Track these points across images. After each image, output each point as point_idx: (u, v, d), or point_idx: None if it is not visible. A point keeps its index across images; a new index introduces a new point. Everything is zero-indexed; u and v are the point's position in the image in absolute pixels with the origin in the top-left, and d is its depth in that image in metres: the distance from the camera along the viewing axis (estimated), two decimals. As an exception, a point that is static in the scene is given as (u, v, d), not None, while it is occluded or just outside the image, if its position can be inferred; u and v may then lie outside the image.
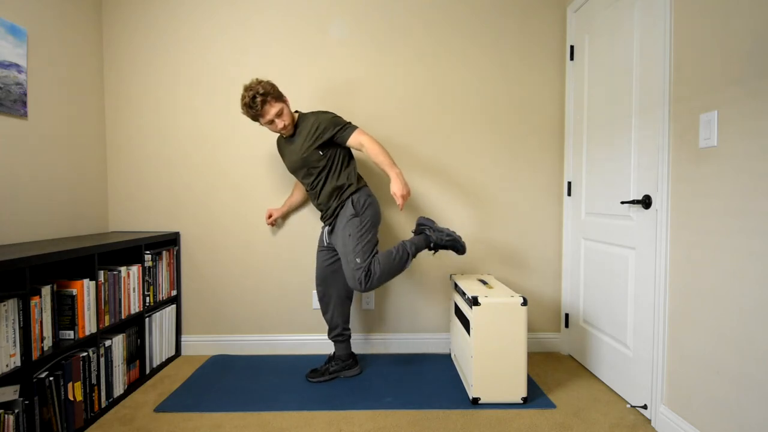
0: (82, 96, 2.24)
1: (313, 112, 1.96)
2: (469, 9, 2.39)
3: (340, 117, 1.94)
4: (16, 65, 1.83)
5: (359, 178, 2.05)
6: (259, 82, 1.85)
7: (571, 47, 2.33)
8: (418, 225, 2.09)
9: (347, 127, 1.91)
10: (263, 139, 2.42)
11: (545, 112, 2.41)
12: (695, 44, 1.45)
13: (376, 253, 1.93)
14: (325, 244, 2.09)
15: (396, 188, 1.82)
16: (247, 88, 1.84)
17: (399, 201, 1.82)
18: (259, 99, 1.81)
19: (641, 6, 1.75)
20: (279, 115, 1.88)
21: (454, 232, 2.04)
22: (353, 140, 1.90)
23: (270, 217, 2.33)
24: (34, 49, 1.94)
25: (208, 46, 2.40)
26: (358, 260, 1.88)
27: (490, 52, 2.40)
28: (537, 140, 2.42)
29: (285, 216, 2.41)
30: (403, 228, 2.44)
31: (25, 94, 1.88)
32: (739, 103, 1.28)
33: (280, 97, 1.89)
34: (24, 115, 1.87)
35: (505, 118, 2.41)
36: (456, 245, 2.03)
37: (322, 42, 2.39)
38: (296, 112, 2.02)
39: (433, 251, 2.06)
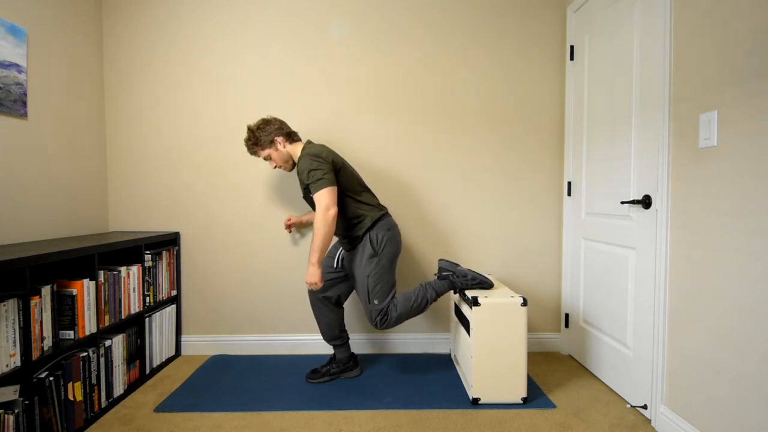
0: (82, 96, 2.24)
1: (305, 152, 1.88)
2: (470, 9, 2.39)
3: (316, 165, 1.82)
4: (16, 65, 1.83)
5: (373, 206, 1.96)
6: (254, 128, 1.96)
7: (571, 47, 2.33)
8: (441, 270, 2.03)
9: (315, 183, 1.80)
10: (263, 139, 2.42)
11: (545, 111, 2.41)
12: (695, 44, 1.45)
13: (394, 294, 1.93)
14: (336, 266, 2.05)
15: (308, 276, 1.83)
16: (247, 130, 2.03)
17: (309, 286, 1.87)
18: (249, 144, 1.98)
19: (641, 6, 1.75)
20: (267, 159, 2.01)
21: (478, 273, 1.98)
22: (316, 199, 1.81)
23: (289, 220, 2.30)
24: (34, 49, 1.94)
25: (208, 46, 2.40)
26: (376, 302, 1.90)
27: (490, 51, 2.40)
28: (537, 140, 2.42)
29: (301, 225, 2.37)
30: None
31: (25, 94, 1.88)
32: (739, 103, 1.28)
33: (269, 142, 1.95)
34: (24, 115, 1.87)
35: (505, 117, 2.41)
36: (483, 286, 1.98)
37: (322, 42, 2.39)
38: (308, 141, 1.98)
39: (459, 294, 2.04)
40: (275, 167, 2.02)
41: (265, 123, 1.96)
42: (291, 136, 1.99)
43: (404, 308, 1.92)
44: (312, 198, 1.91)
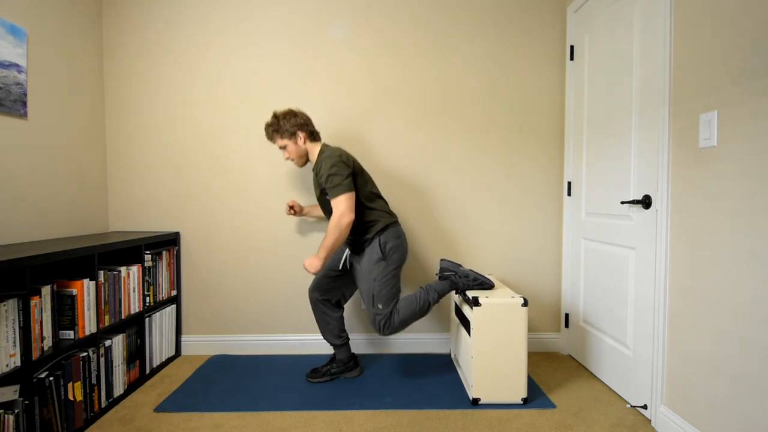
0: (82, 96, 2.24)
1: (326, 154, 1.88)
2: (470, 9, 2.39)
3: (336, 170, 1.82)
4: (16, 65, 1.83)
5: (386, 212, 1.97)
6: (280, 116, 1.95)
7: (571, 47, 2.33)
8: (442, 270, 2.04)
9: (334, 189, 1.81)
10: (264, 138, 2.42)
11: (545, 111, 2.41)
12: (695, 44, 1.45)
13: (398, 300, 1.93)
14: (340, 267, 2.04)
15: (309, 263, 1.82)
16: (272, 115, 1.99)
17: (304, 267, 1.87)
18: (270, 129, 1.98)
19: (641, 6, 1.75)
20: (283, 148, 1.99)
21: (480, 274, 1.99)
22: (333, 204, 1.83)
23: (292, 203, 2.21)
24: (34, 49, 1.94)
25: (208, 45, 2.40)
26: (380, 306, 1.90)
27: (490, 51, 2.40)
28: (537, 140, 2.42)
29: (300, 215, 2.26)
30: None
31: (25, 94, 1.88)
32: (739, 103, 1.28)
33: (290, 134, 1.94)
34: (24, 115, 1.87)
35: (505, 117, 2.41)
36: (484, 287, 1.98)
37: (322, 40, 2.39)
38: (324, 146, 1.97)
39: (460, 295, 2.04)
40: (287, 159, 2.01)
41: (292, 114, 1.95)
42: (313, 135, 1.99)
43: (407, 312, 1.92)
44: (326, 201, 1.93)
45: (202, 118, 2.42)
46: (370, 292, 1.91)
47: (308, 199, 2.43)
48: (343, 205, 1.81)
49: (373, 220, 1.93)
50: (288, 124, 1.94)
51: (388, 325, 1.90)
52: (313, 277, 2.13)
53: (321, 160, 1.89)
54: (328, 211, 1.99)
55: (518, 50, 2.40)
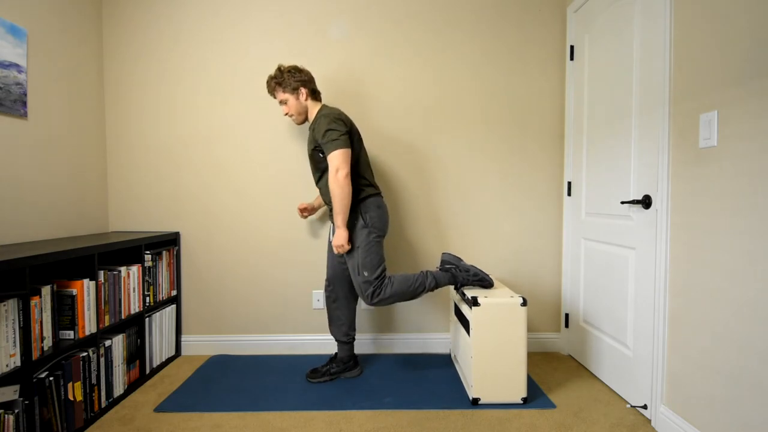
0: (82, 96, 2.24)
1: (324, 114, 1.89)
2: (469, 9, 2.39)
3: (335, 126, 1.83)
4: (16, 65, 1.83)
5: (370, 184, 1.97)
6: (285, 70, 1.95)
7: (571, 47, 2.33)
8: (443, 263, 2.04)
9: (330, 143, 1.82)
10: (264, 138, 2.42)
11: (545, 111, 2.41)
12: (695, 44, 1.45)
13: (385, 269, 1.93)
14: (329, 241, 2.07)
15: (337, 241, 1.85)
16: (276, 68, 1.98)
17: (337, 250, 1.88)
18: (273, 82, 1.97)
19: (641, 6, 1.75)
20: (283, 103, 1.98)
21: (481, 270, 1.99)
22: (329, 159, 1.83)
23: (302, 205, 2.24)
24: (34, 49, 1.94)
25: (209, 46, 2.40)
26: (366, 273, 1.89)
27: (490, 51, 2.40)
28: (537, 140, 2.42)
29: (314, 210, 2.29)
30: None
31: (25, 94, 1.88)
32: (739, 103, 1.28)
33: (292, 88, 1.94)
34: (24, 115, 1.88)
35: (505, 117, 2.41)
36: (483, 283, 1.99)
37: (321, 40, 2.39)
38: (323, 105, 1.98)
39: (457, 290, 2.04)
40: (286, 114, 2.00)
41: (297, 70, 1.96)
42: (315, 93, 2.00)
43: (400, 287, 1.90)
44: (318, 158, 1.92)
45: (203, 117, 2.42)
46: (355, 260, 1.90)
47: (308, 196, 2.42)
48: (338, 160, 1.81)
49: (357, 189, 1.93)
50: (292, 79, 1.94)
51: (378, 295, 1.88)
52: (328, 266, 2.12)
53: (319, 116, 1.90)
54: (318, 169, 1.97)
55: (518, 50, 2.39)
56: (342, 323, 2.11)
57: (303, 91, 1.96)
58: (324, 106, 1.96)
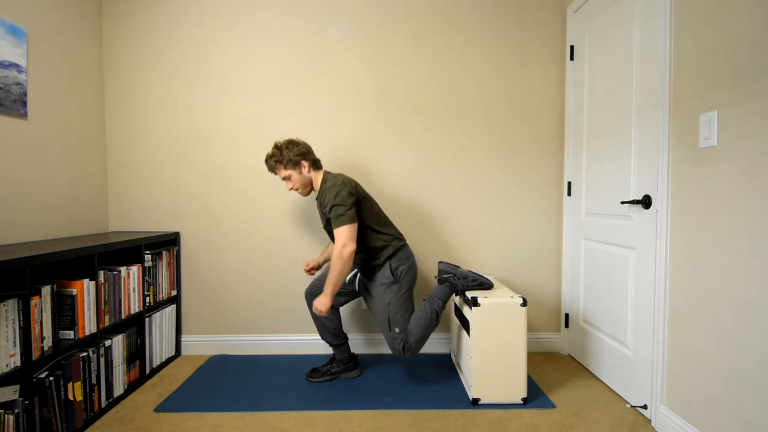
0: (82, 96, 2.24)
1: (329, 184, 1.88)
2: (469, 9, 2.39)
3: (340, 200, 1.82)
4: (16, 65, 1.83)
5: (394, 237, 1.97)
6: (282, 146, 1.93)
7: (571, 47, 2.33)
8: (441, 272, 2.04)
9: (337, 219, 1.82)
10: (264, 139, 2.42)
11: (545, 111, 2.41)
12: (695, 44, 1.45)
13: (408, 318, 1.93)
14: (346, 281, 2.04)
15: (319, 304, 1.84)
16: (273, 146, 1.96)
17: (316, 311, 1.86)
18: (272, 161, 1.95)
19: (641, 6, 1.75)
20: (286, 179, 1.97)
21: (478, 274, 1.99)
22: (335, 234, 1.82)
23: (308, 265, 2.17)
24: (34, 49, 1.94)
25: (209, 46, 2.40)
26: (397, 330, 1.90)
27: (489, 51, 2.40)
28: (537, 140, 2.42)
29: (319, 267, 2.21)
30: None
31: (25, 94, 1.88)
32: (739, 103, 1.28)
33: (293, 164, 1.92)
34: (24, 115, 1.88)
35: (505, 117, 2.41)
36: (483, 286, 1.99)
37: (322, 40, 2.39)
38: (326, 172, 1.97)
39: (459, 296, 2.04)
40: (291, 189, 1.98)
41: (294, 143, 1.93)
42: (315, 163, 1.99)
43: (419, 330, 1.92)
44: (332, 231, 1.93)
45: (203, 117, 2.42)
46: (385, 316, 1.91)
47: (307, 200, 2.42)
48: (344, 236, 1.81)
49: (383, 246, 1.94)
50: (291, 154, 1.92)
51: (408, 348, 1.90)
52: (315, 278, 2.13)
53: (325, 189, 1.88)
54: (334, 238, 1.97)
55: (518, 50, 2.39)
56: (329, 327, 2.08)
57: (305, 164, 1.94)
58: (327, 175, 1.95)
